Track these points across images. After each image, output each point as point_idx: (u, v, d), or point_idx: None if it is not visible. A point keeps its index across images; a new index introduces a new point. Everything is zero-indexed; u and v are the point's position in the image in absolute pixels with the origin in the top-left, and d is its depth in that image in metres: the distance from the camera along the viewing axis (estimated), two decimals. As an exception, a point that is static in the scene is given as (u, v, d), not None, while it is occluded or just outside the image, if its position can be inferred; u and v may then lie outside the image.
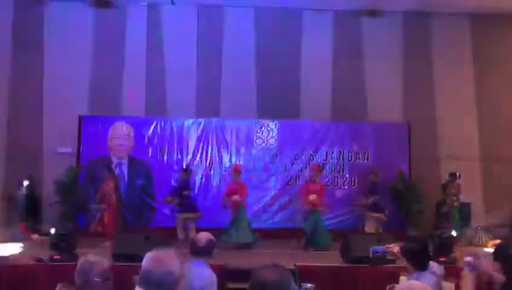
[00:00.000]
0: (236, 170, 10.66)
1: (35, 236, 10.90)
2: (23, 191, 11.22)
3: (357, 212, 11.47)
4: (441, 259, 7.09)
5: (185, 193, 10.85)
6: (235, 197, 10.15)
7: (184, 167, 11.48)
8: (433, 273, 4.10)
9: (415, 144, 12.19)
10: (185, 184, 10.99)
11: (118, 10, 12.49)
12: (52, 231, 7.98)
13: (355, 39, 12.69)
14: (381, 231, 10.60)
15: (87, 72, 12.28)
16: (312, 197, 9.92)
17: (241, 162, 11.71)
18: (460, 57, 12.76)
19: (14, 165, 11.72)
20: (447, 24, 12.72)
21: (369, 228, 10.96)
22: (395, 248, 4.66)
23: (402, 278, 4.72)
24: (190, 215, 10.80)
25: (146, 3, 12.57)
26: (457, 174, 11.05)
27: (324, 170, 11.93)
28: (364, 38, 12.71)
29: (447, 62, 12.65)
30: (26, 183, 11.29)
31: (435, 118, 12.64)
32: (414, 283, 2.63)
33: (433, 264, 4.18)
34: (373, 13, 12.57)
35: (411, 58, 12.70)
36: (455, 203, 10.99)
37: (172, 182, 11.53)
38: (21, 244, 9.66)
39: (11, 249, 9.12)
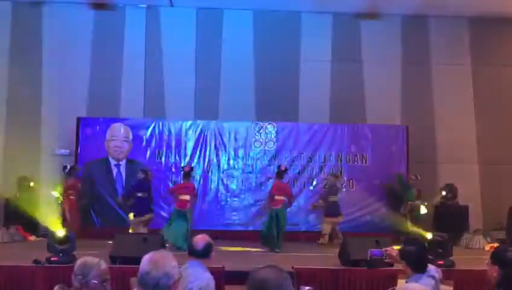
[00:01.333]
0: (186, 172, 10.46)
1: (32, 237, 10.88)
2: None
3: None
4: (439, 262, 7.10)
5: (139, 194, 10.56)
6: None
7: (144, 167, 11.10)
8: (432, 276, 4.09)
9: (413, 146, 12.18)
10: (140, 185, 10.70)
11: (117, 12, 12.51)
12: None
13: (354, 42, 12.71)
14: (340, 236, 10.65)
15: (86, 73, 12.30)
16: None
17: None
18: (458, 60, 12.79)
19: (13, 166, 11.70)
20: (445, 27, 12.76)
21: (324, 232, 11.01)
22: (393, 250, 4.65)
23: (400, 281, 4.71)
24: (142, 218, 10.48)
25: (145, 5, 12.58)
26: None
27: (322, 172, 11.95)
28: (363, 41, 12.75)
29: (446, 65, 12.68)
30: (32, 184, 11.42)
31: (433, 121, 12.66)
32: (413, 285, 2.63)
33: (431, 268, 4.18)
34: (372, 16, 12.61)
35: (409, 61, 12.73)
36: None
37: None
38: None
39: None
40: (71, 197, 10.50)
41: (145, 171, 10.84)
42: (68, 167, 10.86)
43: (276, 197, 10.15)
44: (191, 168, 10.77)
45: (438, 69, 12.74)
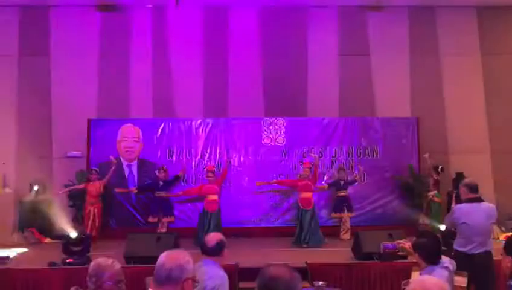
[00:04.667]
0: (209, 170, 10.64)
1: (47, 240, 10.98)
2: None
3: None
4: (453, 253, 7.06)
5: (158, 193, 10.91)
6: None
7: (162, 166, 11.33)
8: (445, 267, 4.09)
9: (424, 138, 12.13)
10: (156, 184, 11.00)
11: (123, 13, 12.55)
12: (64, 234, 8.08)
13: (361, 35, 12.67)
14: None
15: (95, 75, 12.36)
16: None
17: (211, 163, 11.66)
18: (467, 49, 12.69)
19: (25, 169, 11.79)
20: (452, 16, 12.66)
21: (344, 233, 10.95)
22: (406, 243, 4.65)
23: (414, 273, 4.71)
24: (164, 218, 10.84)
25: (151, 5, 12.61)
26: (440, 167, 11.28)
27: (333, 167, 11.94)
28: (370, 34, 12.70)
29: (454, 54, 12.59)
30: (45, 187, 11.52)
31: (443, 111, 12.59)
32: (429, 278, 2.62)
33: (445, 259, 4.17)
34: (378, 8, 12.56)
35: (418, 52, 12.66)
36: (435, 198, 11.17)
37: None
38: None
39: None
40: (95, 201, 10.57)
41: (165, 169, 11.10)
42: (93, 170, 10.92)
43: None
44: (214, 167, 10.88)
45: (447, 60, 12.66)
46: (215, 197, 10.44)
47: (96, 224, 10.36)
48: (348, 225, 10.94)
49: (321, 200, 11.66)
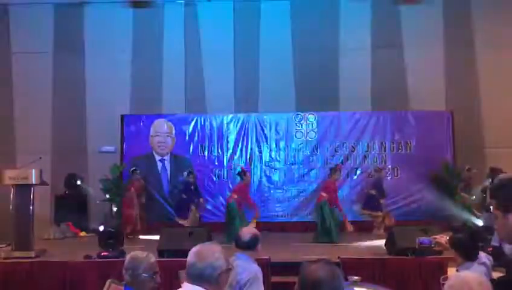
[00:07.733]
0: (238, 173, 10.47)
1: (83, 233, 11.19)
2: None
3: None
4: (489, 249, 6.93)
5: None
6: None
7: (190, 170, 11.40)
8: (483, 263, 4.01)
9: (459, 132, 11.88)
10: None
11: (155, 9, 12.66)
12: (101, 228, 8.23)
13: (394, 27, 12.47)
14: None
15: (128, 71, 12.52)
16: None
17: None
18: (503, 40, 12.34)
19: (60, 164, 12.02)
20: (487, 8, 12.33)
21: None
22: (442, 238, 4.58)
23: (450, 269, 4.63)
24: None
25: (183, 1, 12.68)
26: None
27: (366, 161, 11.82)
28: (403, 26, 12.48)
29: (490, 47, 12.26)
30: (79, 182, 11.81)
31: (479, 105, 12.30)
32: (468, 273, 2.56)
33: (482, 255, 4.09)
34: (412, 0, 12.34)
35: (452, 45, 12.40)
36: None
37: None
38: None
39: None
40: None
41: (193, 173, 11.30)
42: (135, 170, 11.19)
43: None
44: (242, 171, 10.86)
45: (483, 51, 12.34)
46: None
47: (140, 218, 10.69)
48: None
49: (352, 195, 11.55)
